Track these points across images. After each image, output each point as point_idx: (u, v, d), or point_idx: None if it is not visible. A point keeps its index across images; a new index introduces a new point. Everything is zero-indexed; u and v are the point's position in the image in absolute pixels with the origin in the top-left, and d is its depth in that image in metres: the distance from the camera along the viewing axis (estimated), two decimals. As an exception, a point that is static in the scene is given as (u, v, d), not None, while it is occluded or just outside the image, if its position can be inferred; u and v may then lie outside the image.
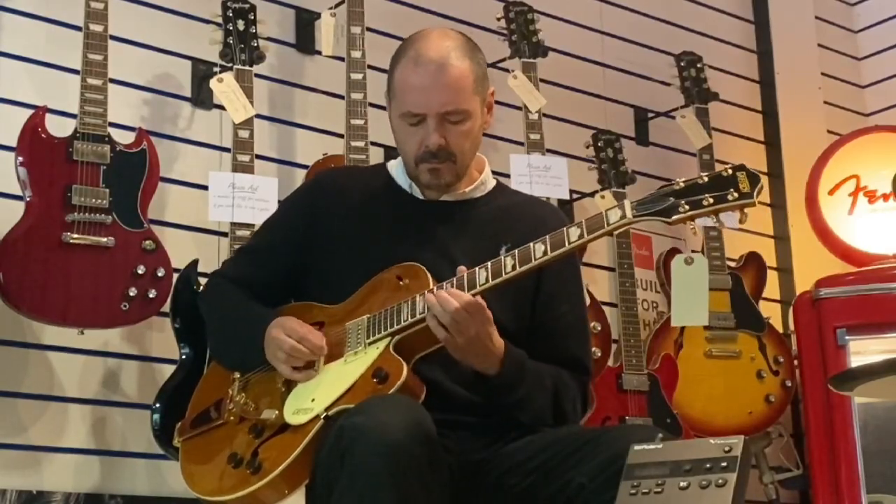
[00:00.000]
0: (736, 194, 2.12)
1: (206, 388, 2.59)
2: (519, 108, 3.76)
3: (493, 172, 2.61)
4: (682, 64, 4.32)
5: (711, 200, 2.13)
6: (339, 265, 2.47)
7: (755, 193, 2.12)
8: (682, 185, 2.16)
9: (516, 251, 2.24)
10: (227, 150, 3.34)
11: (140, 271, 3.03)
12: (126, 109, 3.40)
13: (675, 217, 2.15)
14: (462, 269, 2.26)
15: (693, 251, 4.22)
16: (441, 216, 2.48)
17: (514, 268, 2.23)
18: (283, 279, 2.55)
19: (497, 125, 3.61)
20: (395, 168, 2.57)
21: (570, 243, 2.20)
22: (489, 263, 2.25)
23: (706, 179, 2.15)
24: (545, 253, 2.21)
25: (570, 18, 4.42)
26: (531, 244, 2.23)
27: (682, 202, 2.14)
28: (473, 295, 2.23)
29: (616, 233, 2.31)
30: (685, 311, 2.28)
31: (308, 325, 2.40)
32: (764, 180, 2.17)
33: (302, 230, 2.52)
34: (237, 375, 2.47)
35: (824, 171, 4.33)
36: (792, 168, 4.71)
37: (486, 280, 2.24)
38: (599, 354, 3.76)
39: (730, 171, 2.15)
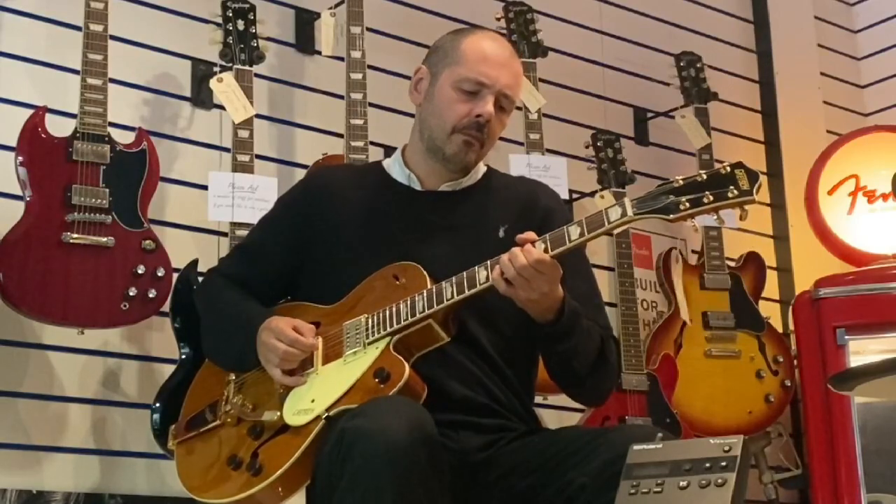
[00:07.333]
0: (735, 191, 2.11)
1: (199, 389, 2.58)
2: (518, 108, 3.76)
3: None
4: (681, 64, 4.32)
5: (711, 198, 2.12)
6: (336, 262, 2.47)
7: (754, 190, 2.12)
8: (680, 182, 2.16)
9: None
10: (227, 149, 3.34)
11: (140, 271, 3.03)
12: (126, 109, 3.40)
13: (675, 215, 2.14)
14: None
15: (693, 251, 4.24)
16: (439, 207, 2.49)
17: None
18: (278, 277, 2.55)
19: (497, 125, 3.61)
20: (392, 164, 2.57)
21: (570, 241, 2.20)
22: (489, 262, 2.25)
23: (705, 177, 2.15)
24: (545, 251, 2.21)
25: (570, 18, 4.42)
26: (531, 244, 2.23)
27: (683, 200, 2.14)
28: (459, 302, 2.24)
29: (616, 232, 2.30)
30: None
31: (297, 320, 2.39)
32: (763, 180, 2.17)
33: (297, 228, 2.52)
34: (232, 377, 2.47)
35: (824, 170, 4.33)
36: (791, 168, 4.71)
37: (486, 278, 2.24)
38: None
39: (728, 169, 2.14)
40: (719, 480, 1.88)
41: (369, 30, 3.55)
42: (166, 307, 3.09)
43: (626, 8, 4.60)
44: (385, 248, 2.42)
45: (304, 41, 3.82)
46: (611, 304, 3.97)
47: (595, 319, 2.43)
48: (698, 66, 4.32)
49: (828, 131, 4.82)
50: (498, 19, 3.88)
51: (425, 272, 2.33)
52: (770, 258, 4.55)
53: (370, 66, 3.49)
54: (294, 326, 2.37)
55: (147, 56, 3.52)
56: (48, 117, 3.05)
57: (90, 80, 3.05)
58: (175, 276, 3.10)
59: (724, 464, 1.90)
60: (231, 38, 3.32)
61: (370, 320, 2.33)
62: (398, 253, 2.40)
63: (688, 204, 2.14)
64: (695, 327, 4.07)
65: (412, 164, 2.53)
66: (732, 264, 4.25)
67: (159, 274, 3.06)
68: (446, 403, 2.28)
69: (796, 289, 4.46)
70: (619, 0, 4.59)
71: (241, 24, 3.34)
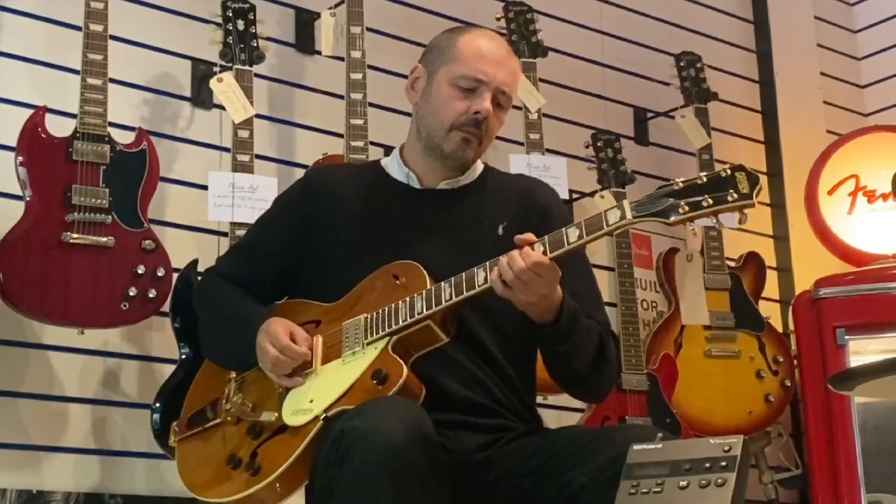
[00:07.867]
0: (735, 195, 2.11)
1: (200, 386, 2.58)
2: (518, 108, 3.76)
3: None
4: (681, 64, 4.32)
5: (711, 201, 2.12)
6: (335, 261, 2.47)
7: (754, 194, 2.11)
8: (680, 185, 2.15)
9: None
10: (226, 149, 3.34)
11: (140, 271, 3.03)
12: (126, 109, 3.40)
13: (674, 218, 2.13)
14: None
15: (693, 251, 4.24)
16: (438, 205, 2.49)
17: None
18: (276, 277, 2.54)
19: (496, 125, 3.61)
20: (390, 162, 2.57)
21: (569, 244, 2.20)
22: (487, 264, 2.25)
23: (705, 180, 2.14)
24: (544, 253, 2.21)
25: (570, 18, 4.42)
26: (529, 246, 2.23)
27: (682, 203, 2.13)
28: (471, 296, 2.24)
29: (616, 233, 2.30)
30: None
31: (295, 326, 2.38)
32: (763, 180, 2.16)
33: (295, 227, 2.52)
34: (233, 375, 2.46)
35: (823, 170, 4.33)
36: (791, 168, 4.72)
37: (484, 280, 2.24)
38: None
39: (728, 172, 2.14)
40: (719, 480, 1.88)
41: (369, 30, 3.55)
42: (166, 307, 3.10)
43: (626, 8, 4.60)
44: (384, 247, 2.42)
45: (304, 41, 3.82)
46: (611, 304, 3.97)
47: (594, 317, 2.43)
48: (698, 66, 4.33)
49: (828, 131, 4.82)
50: (498, 19, 3.88)
51: (425, 272, 2.33)
52: (770, 258, 4.55)
53: (370, 66, 3.49)
54: (290, 332, 2.37)
55: (147, 56, 3.52)
56: (48, 117, 3.06)
57: (90, 80, 3.06)
58: (175, 276, 3.11)
59: (724, 464, 1.90)
60: (231, 38, 3.32)
61: (369, 320, 2.33)
62: (397, 251, 2.39)
63: (687, 207, 2.13)
64: (695, 327, 4.07)
65: (410, 162, 2.53)
66: (732, 264, 4.25)
67: (159, 274, 3.07)
68: (445, 403, 2.28)
69: (796, 289, 4.47)
70: (619, 0, 4.59)
71: (241, 24, 3.34)
